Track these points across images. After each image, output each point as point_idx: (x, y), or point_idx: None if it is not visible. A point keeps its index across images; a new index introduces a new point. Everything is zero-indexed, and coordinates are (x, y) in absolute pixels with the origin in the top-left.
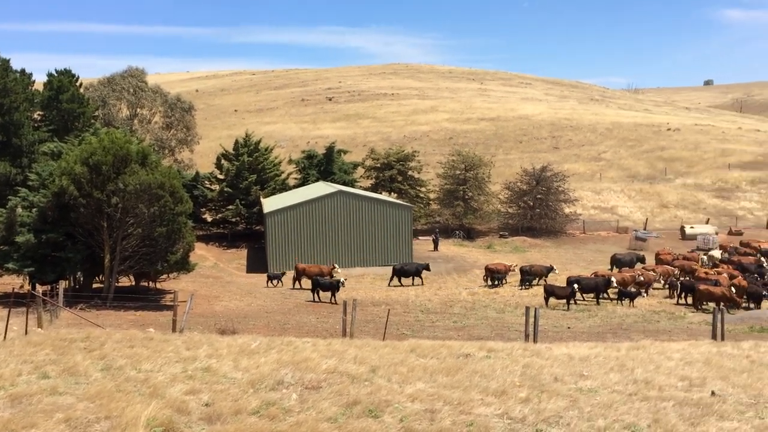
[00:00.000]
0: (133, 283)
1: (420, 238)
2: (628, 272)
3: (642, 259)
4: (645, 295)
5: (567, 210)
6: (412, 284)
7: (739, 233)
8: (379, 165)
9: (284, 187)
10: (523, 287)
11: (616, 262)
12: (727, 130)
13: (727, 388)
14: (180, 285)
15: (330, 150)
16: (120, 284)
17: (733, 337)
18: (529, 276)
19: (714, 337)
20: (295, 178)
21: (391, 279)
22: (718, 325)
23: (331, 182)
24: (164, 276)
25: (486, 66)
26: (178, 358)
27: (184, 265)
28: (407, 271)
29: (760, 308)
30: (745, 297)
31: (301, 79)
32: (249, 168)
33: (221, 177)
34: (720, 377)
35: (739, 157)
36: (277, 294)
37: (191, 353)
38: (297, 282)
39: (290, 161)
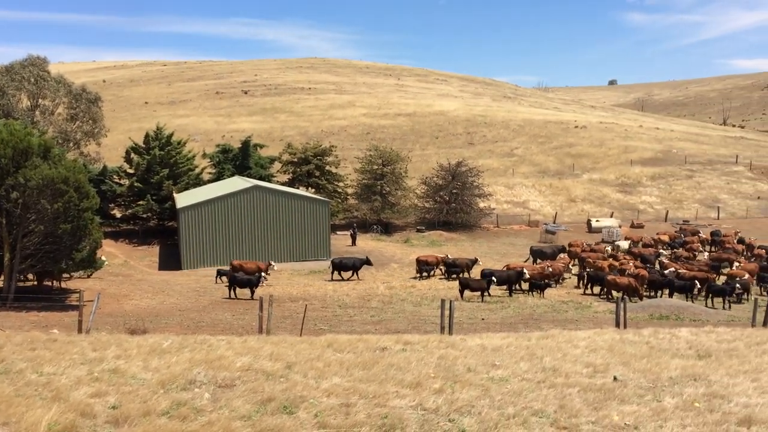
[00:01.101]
0: (36, 283)
1: (338, 233)
2: (541, 264)
3: (563, 250)
4: (554, 285)
5: (481, 204)
6: (353, 278)
7: (641, 226)
8: (296, 160)
9: (198, 182)
10: (449, 278)
11: (538, 253)
12: (630, 128)
13: (628, 373)
14: (87, 284)
15: (246, 144)
16: (22, 284)
17: (635, 325)
18: (454, 268)
19: (617, 325)
20: (210, 173)
21: (332, 273)
22: (621, 313)
23: (247, 177)
24: (69, 275)
25: (403, 62)
26: (84, 359)
27: (90, 263)
28: (346, 265)
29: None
30: (645, 286)
31: (215, 71)
32: (161, 162)
33: (131, 171)
34: (622, 363)
35: (641, 154)
36: (192, 291)
37: (98, 354)
38: (219, 278)
39: (204, 155)
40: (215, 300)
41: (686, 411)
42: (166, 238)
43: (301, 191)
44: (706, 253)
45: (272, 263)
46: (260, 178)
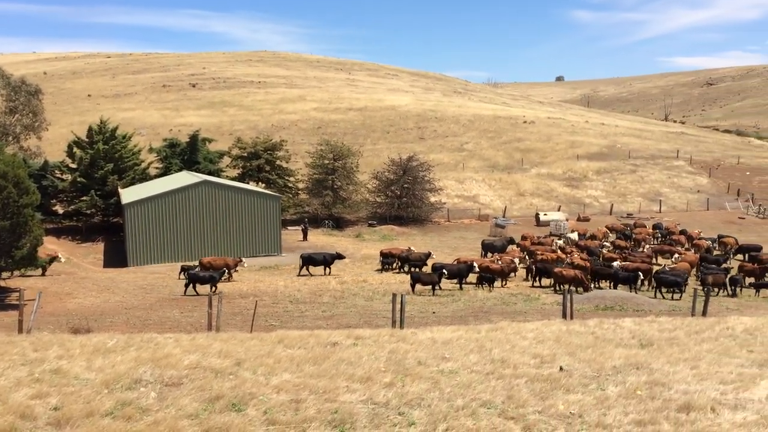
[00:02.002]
0: None
1: (289, 228)
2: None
3: (512, 242)
4: (506, 282)
5: (432, 199)
6: (324, 273)
7: (587, 219)
8: (246, 154)
9: (145, 177)
10: (402, 272)
11: (488, 247)
12: (576, 124)
13: (574, 363)
14: (28, 282)
15: (194, 138)
16: None
17: (581, 316)
18: (408, 262)
19: (564, 316)
20: (157, 168)
21: (300, 268)
22: (568, 305)
23: (196, 172)
24: (10, 273)
25: (354, 56)
26: (24, 360)
27: (31, 261)
28: (316, 260)
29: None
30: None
31: (161, 64)
32: (105, 157)
33: (74, 166)
34: (568, 353)
35: (587, 149)
36: (138, 289)
37: (39, 355)
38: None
39: (151, 150)
40: (163, 297)
41: (629, 399)
42: (112, 235)
43: (252, 186)
44: (647, 246)
45: (242, 260)
46: (209, 173)
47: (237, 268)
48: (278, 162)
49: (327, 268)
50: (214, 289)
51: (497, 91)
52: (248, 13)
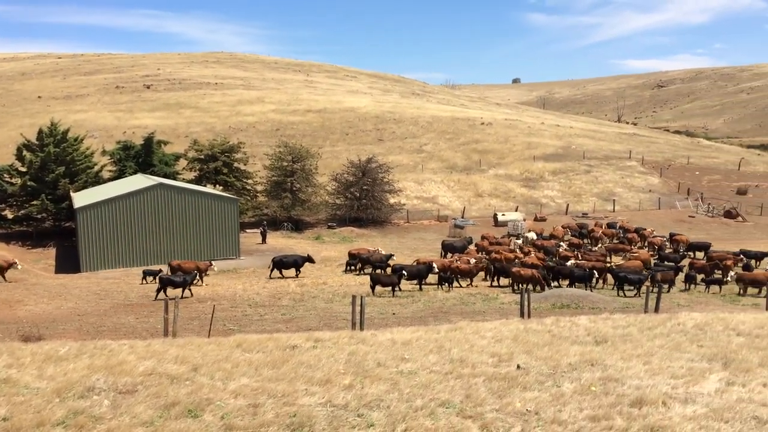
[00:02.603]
0: None
1: (247, 231)
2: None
3: (471, 242)
4: (471, 283)
5: (392, 200)
6: (296, 276)
7: (543, 219)
8: (203, 156)
9: (98, 181)
10: (363, 273)
11: (449, 247)
12: (533, 125)
13: (531, 361)
14: None
15: (149, 140)
16: None
17: (538, 314)
18: (370, 264)
19: (522, 315)
20: (111, 171)
21: (271, 271)
22: (526, 304)
23: (151, 175)
24: None
25: (312, 58)
26: None
27: None
28: (286, 263)
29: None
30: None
31: (115, 64)
32: (56, 160)
33: (23, 170)
34: (525, 352)
35: (543, 150)
36: (92, 295)
37: None
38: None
39: (104, 152)
40: (117, 303)
41: (583, 395)
42: (64, 240)
43: (209, 189)
44: (602, 245)
45: (212, 263)
46: (165, 176)
47: (208, 272)
48: (236, 164)
49: (297, 271)
50: (189, 291)
51: (455, 92)
52: (205, 14)
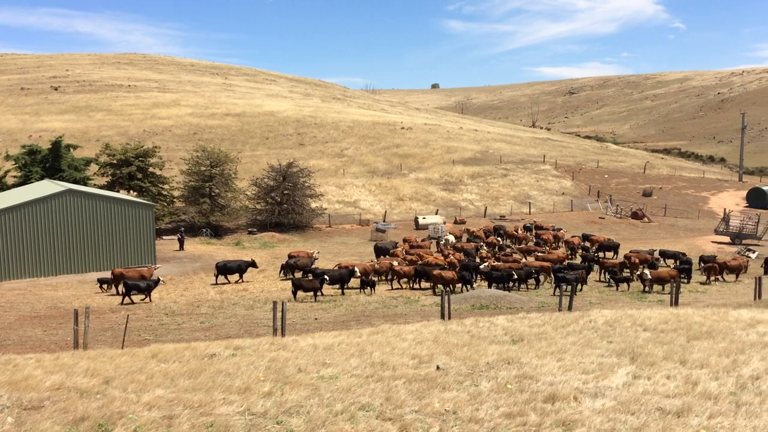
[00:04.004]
0: None
1: (164, 237)
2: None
3: (396, 245)
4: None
5: (313, 205)
6: (239, 281)
7: (463, 222)
8: (115, 161)
9: (2, 187)
10: (288, 278)
11: (381, 251)
12: (452, 130)
13: (450, 361)
14: None
15: (57, 145)
16: None
17: (458, 316)
18: (296, 268)
19: (442, 316)
20: (15, 177)
21: (217, 277)
22: (446, 306)
23: (60, 180)
24: None
25: (230, 61)
26: None
27: None
28: (231, 268)
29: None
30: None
31: (19, 65)
32: None
33: None
34: (445, 352)
35: (461, 154)
36: None
37: None
38: (115, 287)
39: (8, 157)
40: (24, 315)
41: (500, 393)
42: None
43: (122, 195)
44: (514, 245)
45: (157, 267)
46: (74, 182)
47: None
48: (151, 169)
49: (241, 276)
50: (148, 297)
51: (375, 97)
52: (116, 13)
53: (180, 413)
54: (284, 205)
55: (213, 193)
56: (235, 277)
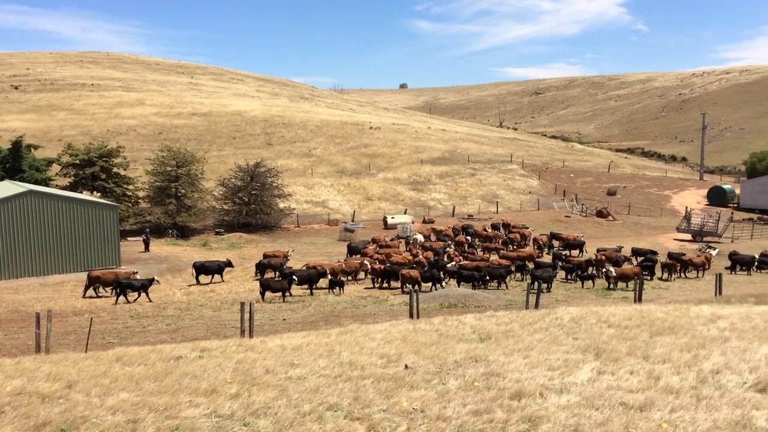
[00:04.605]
0: None
1: (129, 239)
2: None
3: (368, 244)
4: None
5: (281, 205)
6: (211, 282)
7: (431, 221)
8: (78, 161)
9: None
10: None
11: (354, 250)
12: (420, 130)
13: (418, 360)
14: None
15: (17, 145)
16: None
17: (427, 315)
18: (269, 267)
19: (411, 315)
20: None
21: (196, 277)
22: (415, 305)
23: (20, 181)
24: None
25: (196, 60)
26: None
27: None
28: (209, 268)
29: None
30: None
31: None
32: None
33: None
34: (413, 351)
35: (430, 154)
36: None
37: None
38: (93, 290)
39: None
40: None
41: (467, 391)
42: None
43: (86, 195)
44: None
45: (135, 271)
46: (36, 182)
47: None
48: (115, 169)
49: (220, 276)
50: (146, 296)
51: (344, 97)
52: (78, 11)
53: (145, 417)
54: (252, 206)
55: (179, 194)
56: (214, 278)
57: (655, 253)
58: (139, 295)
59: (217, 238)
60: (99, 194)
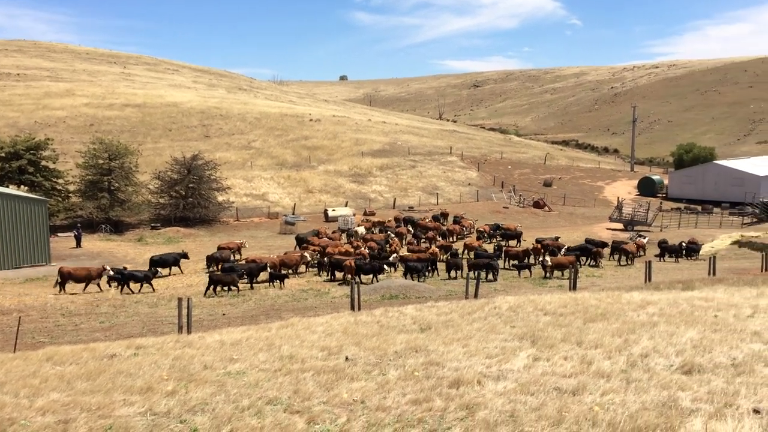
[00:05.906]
0: None
1: (59, 234)
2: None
3: (317, 235)
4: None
5: (220, 198)
6: (170, 273)
7: (372, 213)
8: (4, 154)
9: None
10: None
11: (302, 241)
12: (360, 122)
13: (359, 352)
14: None
15: None
16: None
17: (368, 306)
18: (221, 261)
19: (352, 308)
20: None
21: (153, 271)
22: (356, 297)
23: None
24: None
25: (129, 49)
26: None
27: None
28: (167, 261)
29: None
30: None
31: None
32: None
33: None
34: (354, 343)
35: (370, 146)
36: None
37: None
38: (62, 287)
39: None
40: None
41: (407, 381)
42: None
43: (12, 190)
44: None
45: (106, 267)
46: None
47: (102, 276)
48: (44, 162)
49: (178, 267)
50: (150, 287)
51: (283, 89)
52: None
53: (77, 417)
54: (189, 199)
55: (112, 188)
56: (171, 270)
57: (606, 244)
58: (145, 285)
59: (153, 232)
60: (27, 188)
